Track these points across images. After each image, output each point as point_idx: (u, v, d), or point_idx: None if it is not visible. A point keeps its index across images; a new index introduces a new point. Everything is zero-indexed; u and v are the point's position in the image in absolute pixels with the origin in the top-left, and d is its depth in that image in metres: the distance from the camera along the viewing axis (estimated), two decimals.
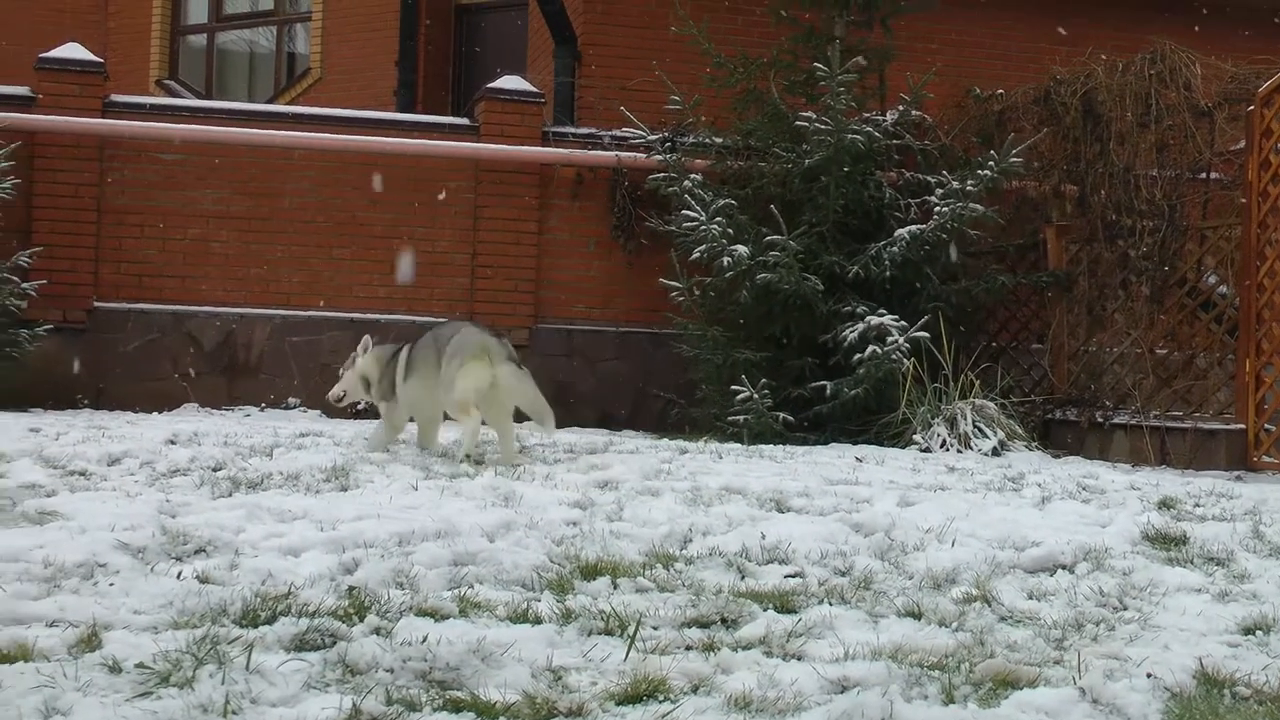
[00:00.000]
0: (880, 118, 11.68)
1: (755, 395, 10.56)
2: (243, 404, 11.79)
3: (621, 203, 12.53)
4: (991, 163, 11.12)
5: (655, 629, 4.20)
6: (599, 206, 12.67)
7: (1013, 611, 4.60)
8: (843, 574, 5.07)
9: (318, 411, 11.88)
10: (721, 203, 11.33)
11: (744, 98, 11.86)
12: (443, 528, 5.42)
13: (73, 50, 12.15)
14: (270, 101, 17.60)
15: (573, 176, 12.63)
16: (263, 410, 11.84)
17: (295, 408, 12.00)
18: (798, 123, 11.38)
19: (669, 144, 12.20)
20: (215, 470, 6.99)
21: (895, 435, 10.24)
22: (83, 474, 6.74)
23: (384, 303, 12.38)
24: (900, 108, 11.77)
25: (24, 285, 11.19)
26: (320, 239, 12.34)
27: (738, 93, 11.86)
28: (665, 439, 10.37)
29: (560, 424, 11.85)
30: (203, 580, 4.51)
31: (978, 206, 11.09)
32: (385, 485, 6.66)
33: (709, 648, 4.01)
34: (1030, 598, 4.82)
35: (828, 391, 10.72)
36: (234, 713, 3.27)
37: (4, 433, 8.36)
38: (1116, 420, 10.42)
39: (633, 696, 3.54)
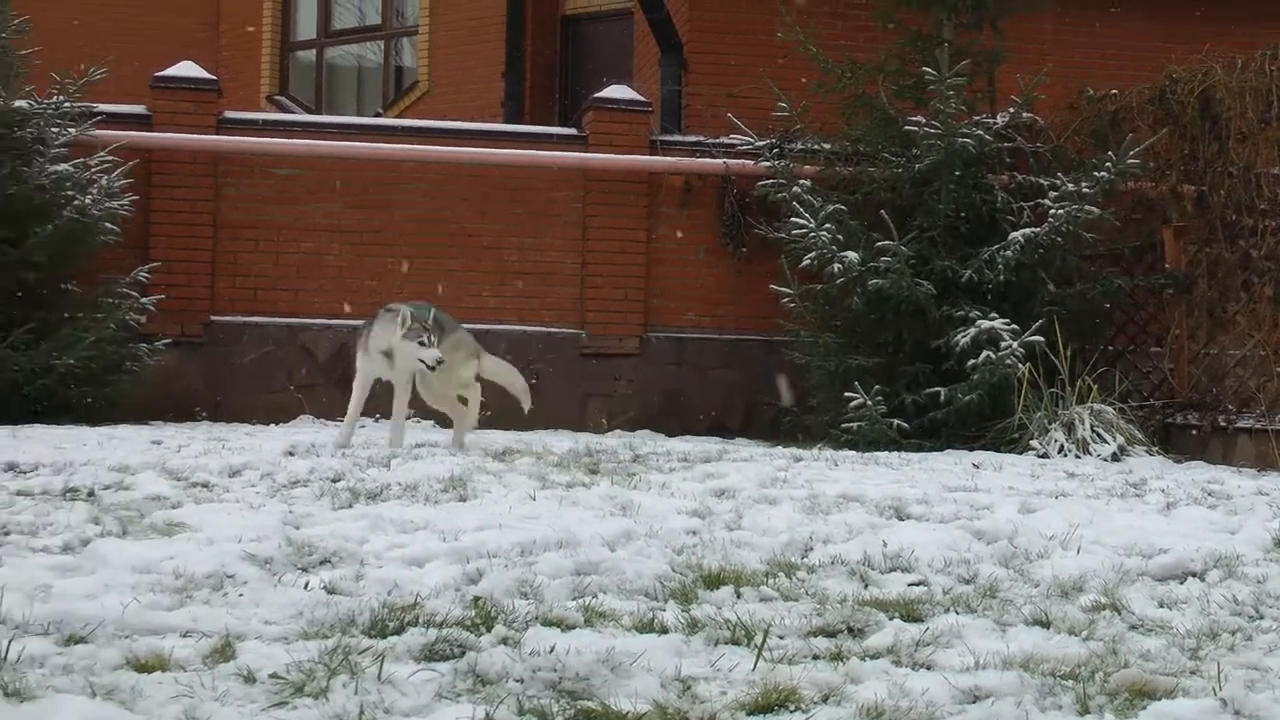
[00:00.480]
0: (991, 120, 11.57)
1: (868, 402, 10.50)
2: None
3: (730, 210, 12.52)
4: (1108, 164, 10.98)
5: (781, 638, 4.18)
6: (707, 214, 12.66)
7: (1144, 620, 4.53)
8: (967, 582, 5.03)
9: (430, 422, 11.95)
10: (831, 208, 11.28)
11: (852, 103, 11.80)
12: (563, 537, 5.44)
13: (187, 69, 12.35)
14: (379, 115, 17.77)
15: (681, 184, 12.64)
16: (376, 421, 11.90)
17: (409, 418, 12.05)
18: (907, 127, 11.31)
19: (777, 150, 12.17)
20: (334, 481, 7.06)
21: (1011, 441, 10.14)
22: (205, 486, 6.84)
23: (494, 313, 12.45)
24: (1011, 110, 11.66)
25: (143, 300, 11.39)
26: (430, 250, 12.43)
27: (845, 98, 11.80)
28: (778, 446, 10.35)
29: (671, 432, 11.99)
30: (330, 591, 4.55)
31: (1093, 209, 10.96)
32: (503, 495, 6.70)
33: (837, 657, 3.98)
34: (1161, 606, 4.75)
35: (941, 398, 10.63)
36: None
37: (128, 445, 8.51)
38: (1240, 424, 10.23)
39: (763, 706, 3.53)
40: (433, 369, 8.59)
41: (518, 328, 12.43)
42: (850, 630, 4.28)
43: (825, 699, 3.62)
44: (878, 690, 3.65)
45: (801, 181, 11.59)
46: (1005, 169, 11.67)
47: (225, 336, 12.08)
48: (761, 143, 12.20)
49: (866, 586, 4.92)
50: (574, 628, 4.19)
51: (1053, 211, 11.01)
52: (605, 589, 4.75)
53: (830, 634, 4.25)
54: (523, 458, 8.30)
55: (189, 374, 11.96)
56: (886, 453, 9.70)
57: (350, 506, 6.29)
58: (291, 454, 8.19)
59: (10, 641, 3.72)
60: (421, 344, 8.55)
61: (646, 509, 6.30)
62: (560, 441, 9.63)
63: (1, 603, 4.09)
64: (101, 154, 11.50)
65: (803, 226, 11.21)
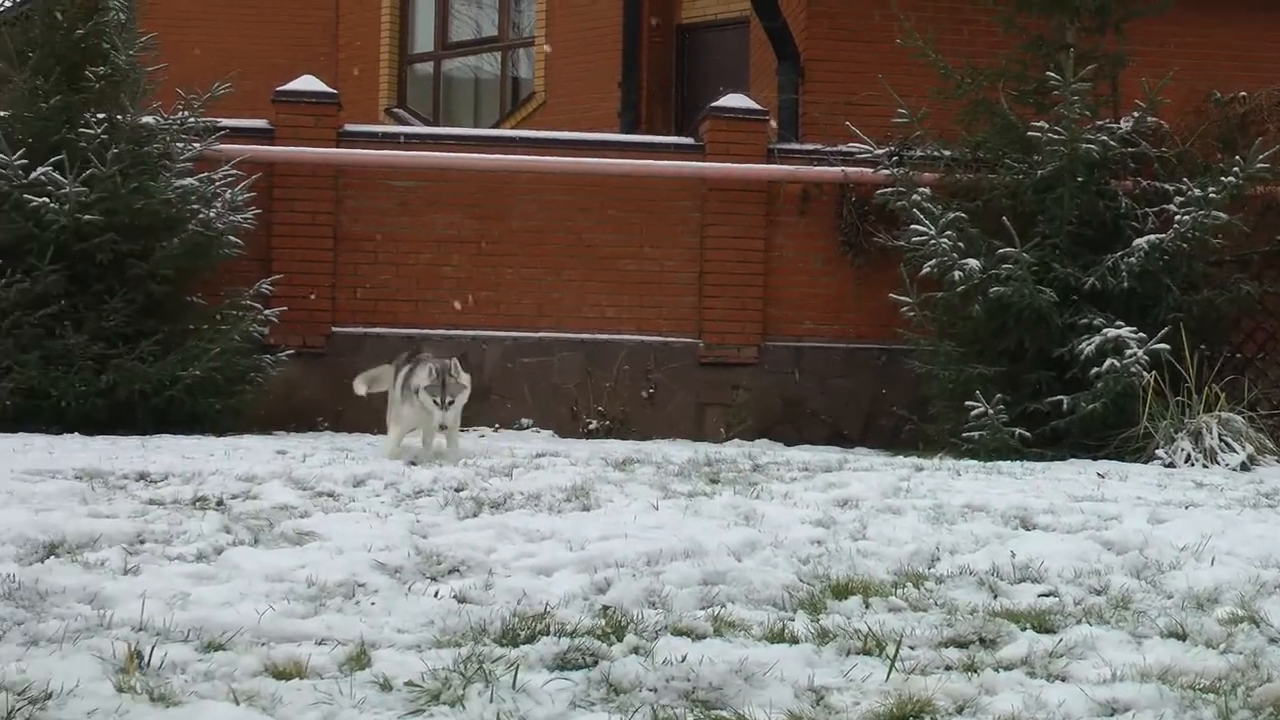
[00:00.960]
0: (1115, 125, 11.43)
1: (990, 411, 10.42)
2: (476, 425, 11.99)
3: (848, 218, 12.46)
4: (1236, 168, 10.81)
5: (912, 649, 4.16)
6: (826, 222, 12.62)
7: None
8: (1098, 593, 4.97)
9: (550, 432, 12.05)
10: (951, 216, 11.21)
11: (972, 109, 11.71)
12: (689, 547, 5.46)
13: (308, 83, 12.54)
14: (495, 126, 17.91)
15: (798, 193, 12.62)
16: (496, 430, 12.04)
17: (528, 428, 12.18)
18: (1029, 133, 11.21)
19: (896, 158, 12.10)
20: (458, 490, 7.13)
21: (1136, 450, 10.01)
22: (331, 495, 6.93)
23: (612, 323, 12.51)
24: (1135, 114, 11.51)
25: (266, 312, 11.57)
26: (548, 260, 12.51)
27: (965, 104, 11.72)
28: (898, 456, 10.29)
29: (789, 441, 11.97)
30: (460, 600, 4.60)
31: (1220, 214, 10.80)
32: (626, 505, 6.73)
33: (970, 668, 3.96)
34: None
35: (1064, 406, 10.52)
36: None
37: (253, 455, 8.65)
38: None
39: (898, 717, 3.52)
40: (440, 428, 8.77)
41: (635, 337, 12.47)
42: (982, 641, 4.24)
43: (960, 710, 3.60)
44: (1013, 702, 3.62)
45: (921, 189, 11.52)
46: (1129, 174, 11.52)
47: (346, 347, 12.23)
48: (880, 150, 12.13)
49: (996, 597, 4.89)
50: (704, 637, 4.20)
51: (1178, 217, 10.86)
52: (733, 599, 4.76)
53: (962, 645, 4.22)
54: (643, 467, 8.33)
55: (311, 384, 12.13)
56: (1009, 462, 9.61)
57: (475, 516, 6.35)
58: (414, 464, 8.28)
59: (153, 647, 3.80)
60: (438, 404, 8.67)
61: (770, 519, 6.30)
62: (679, 451, 9.64)
63: (143, 610, 4.19)
64: (225, 168, 11.70)
65: (923, 234, 11.14)
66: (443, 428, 8.85)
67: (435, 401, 8.62)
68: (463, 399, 8.79)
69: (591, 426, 12.17)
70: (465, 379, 8.85)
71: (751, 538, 5.77)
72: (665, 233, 12.58)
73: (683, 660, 3.84)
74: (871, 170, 12.18)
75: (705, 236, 12.55)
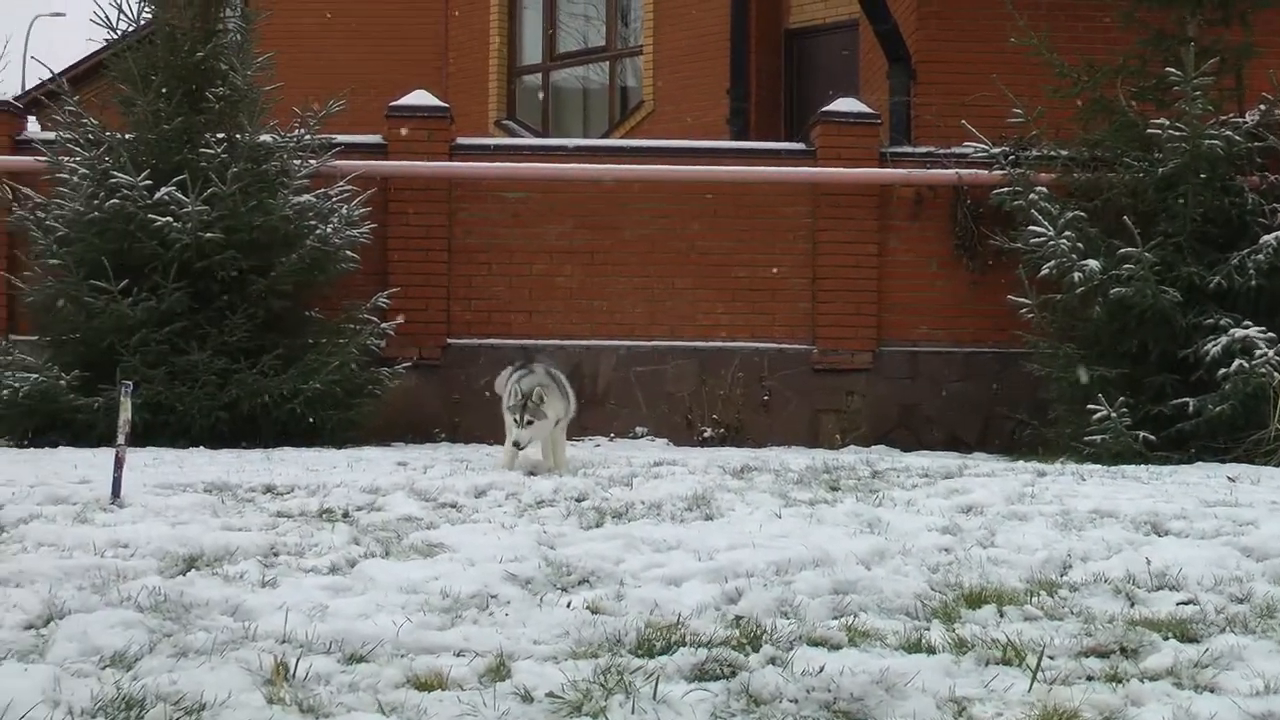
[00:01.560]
0: (1239, 120, 11.26)
1: (1112, 414, 10.30)
2: (591, 434, 12.05)
3: (963, 221, 12.37)
4: None
5: (1052, 659, 4.12)
6: (940, 226, 12.54)
7: None
8: (1241, 601, 4.89)
9: (665, 440, 12.07)
10: (1069, 216, 11.09)
11: (1089, 107, 11.58)
12: (817, 556, 5.45)
13: (420, 97, 12.68)
14: (605, 136, 17.99)
15: (912, 196, 12.55)
16: (611, 440, 12.08)
17: (643, 436, 12.22)
18: (1149, 130, 11.07)
19: (1011, 158, 12.00)
20: (579, 500, 7.17)
21: (1267, 453, 9.85)
22: (454, 506, 7.00)
23: (726, 330, 12.51)
24: (1262, 107, 11.32)
25: (383, 325, 11.71)
26: (661, 269, 12.55)
27: (1082, 102, 11.59)
28: (1018, 461, 10.21)
29: (906, 447, 11.91)
30: (593, 611, 4.62)
31: None
32: (748, 513, 6.73)
33: (1114, 678, 3.91)
34: None
35: (1190, 409, 10.37)
36: None
37: (375, 467, 8.75)
38: None
39: None
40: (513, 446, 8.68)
41: (749, 344, 12.47)
42: (1124, 651, 4.19)
43: None
44: (1161, 714, 3.57)
45: (1038, 189, 11.42)
46: (1256, 170, 11.33)
47: (462, 358, 12.35)
48: (995, 151, 12.04)
49: (1133, 605, 4.82)
50: (839, 647, 4.19)
51: None
52: (865, 608, 4.74)
53: (1103, 655, 4.17)
54: (761, 475, 8.33)
55: (428, 396, 12.26)
56: (1133, 466, 9.49)
57: (599, 526, 6.37)
58: (533, 474, 8.33)
59: (298, 659, 3.87)
60: (516, 423, 8.63)
61: (895, 526, 6.27)
62: (796, 458, 9.63)
63: (286, 622, 4.25)
64: (341, 184, 11.86)
65: (1041, 235, 11.04)
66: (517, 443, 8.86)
67: (515, 420, 8.62)
68: (550, 416, 8.69)
69: (706, 434, 12.18)
70: (553, 402, 8.73)
71: (879, 546, 5.74)
72: (777, 239, 12.56)
73: (821, 671, 3.84)
74: (986, 171, 12.09)
75: (818, 242, 12.52)
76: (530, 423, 8.58)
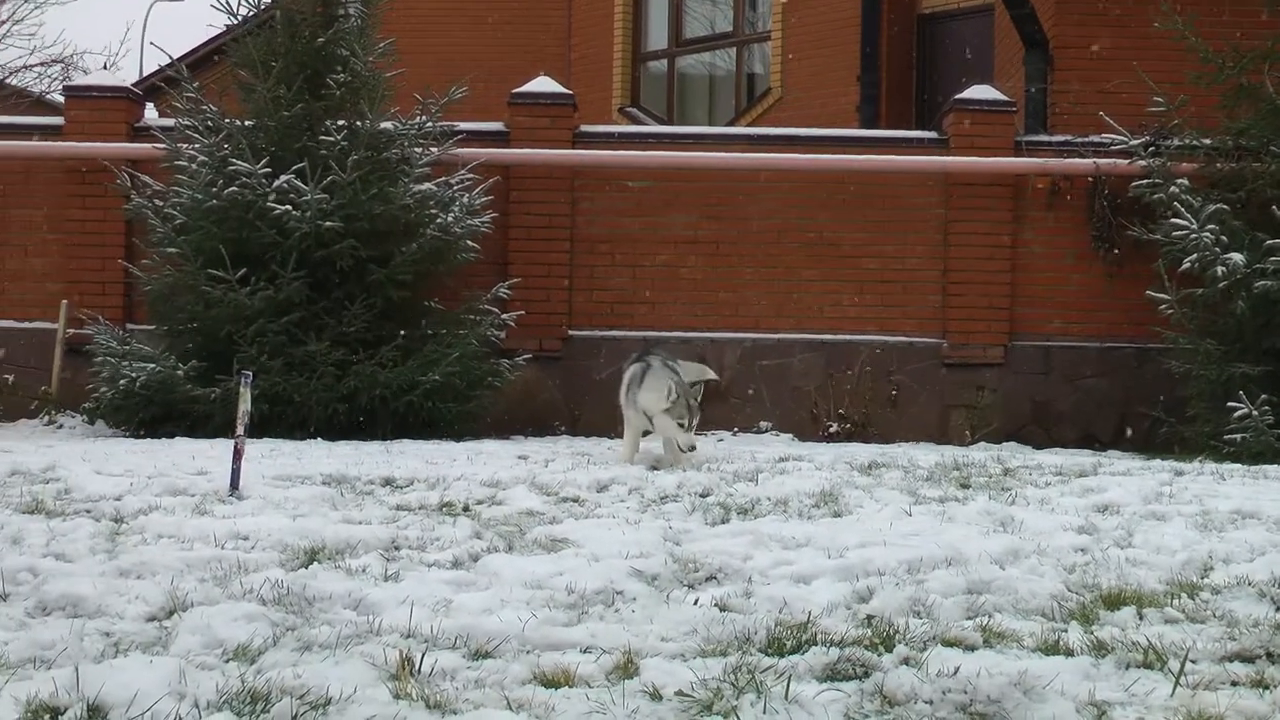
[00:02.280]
0: None
1: (1254, 412, 10.14)
2: (715, 428, 12.07)
3: (1100, 212, 12.22)
4: None
5: (1194, 663, 4.07)
6: (1076, 217, 12.40)
7: None
8: None
9: (789, 435, 12.06)
10: (1212, 208, 10.93)
11: (1234, 94, 11.39)
12: (950, 554, 5.43)
13: (544, 84, 12.75)
14: (731, 123, 17.97)
15: (1047, 187, 12.42)
16: (735, 435, 12.09)
17: (767, 431, 12.21)
18: None
19: (1152, 148, 11.84)
20: (703, 496, 7.20)
21: None
22: (576, 500, 7.05)
23: (854, 323, 12.47)
24: None
25: (503, 316, 11.80)
26: (787, 260, 12.53)
27: (1227, 89, 11.40)
28: (1155, 459, 10.08)
29: (1038, 445, 11.80)
30: (721, 608, 4.64)
31: None
32: (877, 510, 6.72)
33: (1260, 684, 3.86)
34: None
35: None
36: None
37: (495, 460, 8.83)
38: None
39: None
40: (686, 451, 8.60)
41: (877, 337, 12.42)
42: (1269, 656, 4.12)
43: None
44: None
45: (1179, 180, 11.26)
46: None
47: (583, 350, 12.42)
48: (1135, 140, 11.88)
49: (1278, 610, 4.75)
50: (974, 648, 4.17)
51: None
52: (999, 608, 4.71)
53: (1248, 659, 4.11)
54: (889, 471, 8.30)
55: (548, 388, 12.35)
56: (1276, 466, 9.32)
57: (725, 522, 6.40)
58: (655, 468, 8.36)
59: (424, 654, 3.92)
60: (681, 425, 8.58)
61: (1029, 525, 6.24)
62: (924, 455, 9.59)
63: (411, 616, 4.31)
64: (462, 172, 11.96)
65: (1182, 227, 10.89)
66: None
67: (680, 425, 8.62)
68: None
69: (832, 429, 12.15)
70: (695, 386, 8.82)
71: (1013, 545, 5.71)
72: (908, 229, 12.50)
73: (956, 672, 3.82)
74: (1126, 162, 11.94)
75: (950, 233, 12.43)
76: (697, 422, 8.65)
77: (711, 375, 9.83)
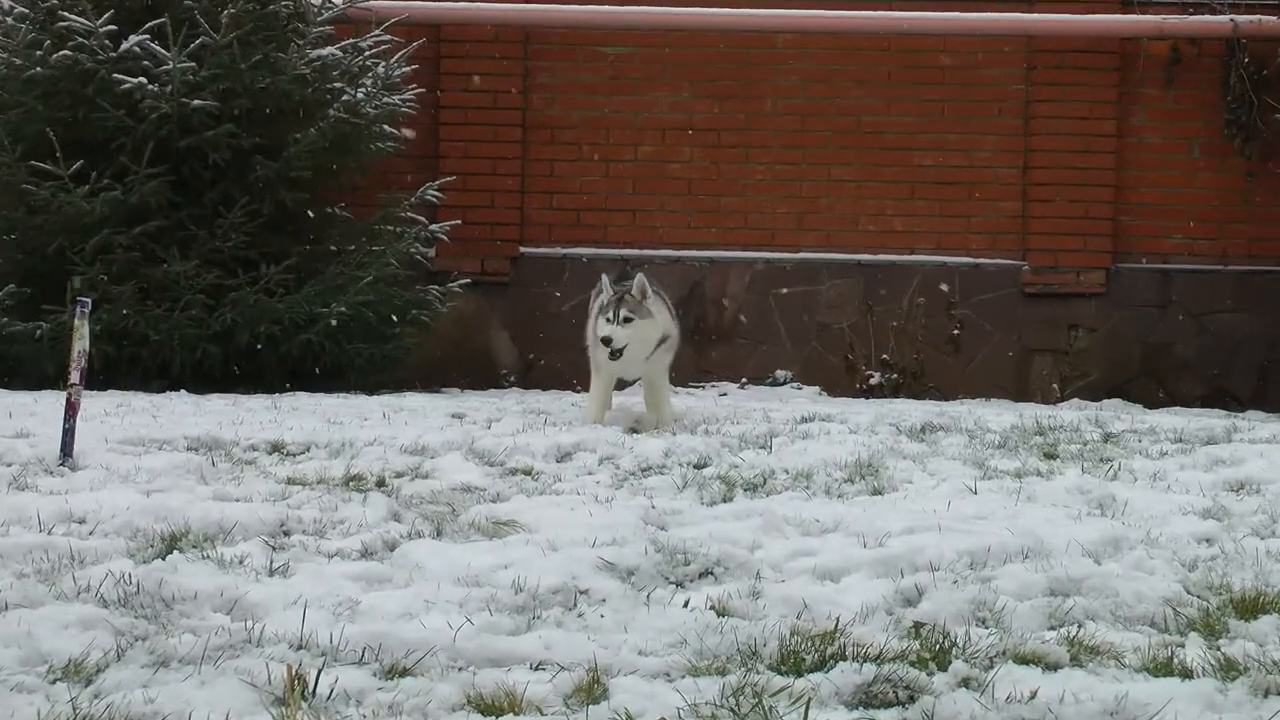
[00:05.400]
0: None
1: None
2: (715, 378, 12.10)
3: (1238, 88, 12.22)
4: None
5: None
6: (1205, 95, 12.42)
7: None
8: None
9: (816, 388, 12.08)
10: None
11: None
12: (1027, 544, 5.46)
13: None
14: None
15: (1166, 54, 12.42)
16: (743, 387, 12.11)
17: (786, 383, 12.24)
18: None
19: None
20: (699, 468, 7.23)
21: None
22: (528, 473, 7.09)
23: (902, 238, 12.48)
24: None
25: (432, 228, 11.76)
26: (814, 154, 12.52)
27: None
28: None
29: (1151, 402, 11.85)
30: (719, 612, 4.66)
31: None
32: (931, 487, 6.77)
33: None
34: None
35: None
36: None
37: (421, 419, 8.85)
38: None
39: None
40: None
41: (933, 258, 12.43)
42: None
43: None
44: None
45: None
46: None
47: (539, 274, 12.41)
48: None
49: None
50: (1058, 667, 4.21)
51: None
52: (1093, 615, 4.75)
53: None
54: (950, 436, 8.35)
55: (493, 325, 12.35)
56: None
57: (727, 500, 6.44)
58: (635, 431, 8.38)
59: (320, 672, 3.93)
60: (608, 321, 8.59)
61: (1136, 507, 6.28)
62: (997, 414, 9.61)
63: (304, 622, 4.32)
64: (377, 32, 11.86)
65: None
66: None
67: (608, 318, 8.53)
68: (657, 325, 8.67)
69: (873, 381, 12.17)
70: (659, 312, 8.74)
71: (1112, 533, 5.75)
72: (976, 113, 12.49)
73: (1032, 697, 3.86)
74: (1276, 17, 11.92)
75: (1032, 117, 12.43)
76: (629, 320, 8.54)
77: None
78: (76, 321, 7.24)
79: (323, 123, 11.27)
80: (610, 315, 8.52)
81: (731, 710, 3.73)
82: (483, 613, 4.59)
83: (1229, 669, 4.21)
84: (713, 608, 4.71)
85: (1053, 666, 4.22)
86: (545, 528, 5.69)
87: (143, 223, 10.91)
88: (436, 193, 11.93)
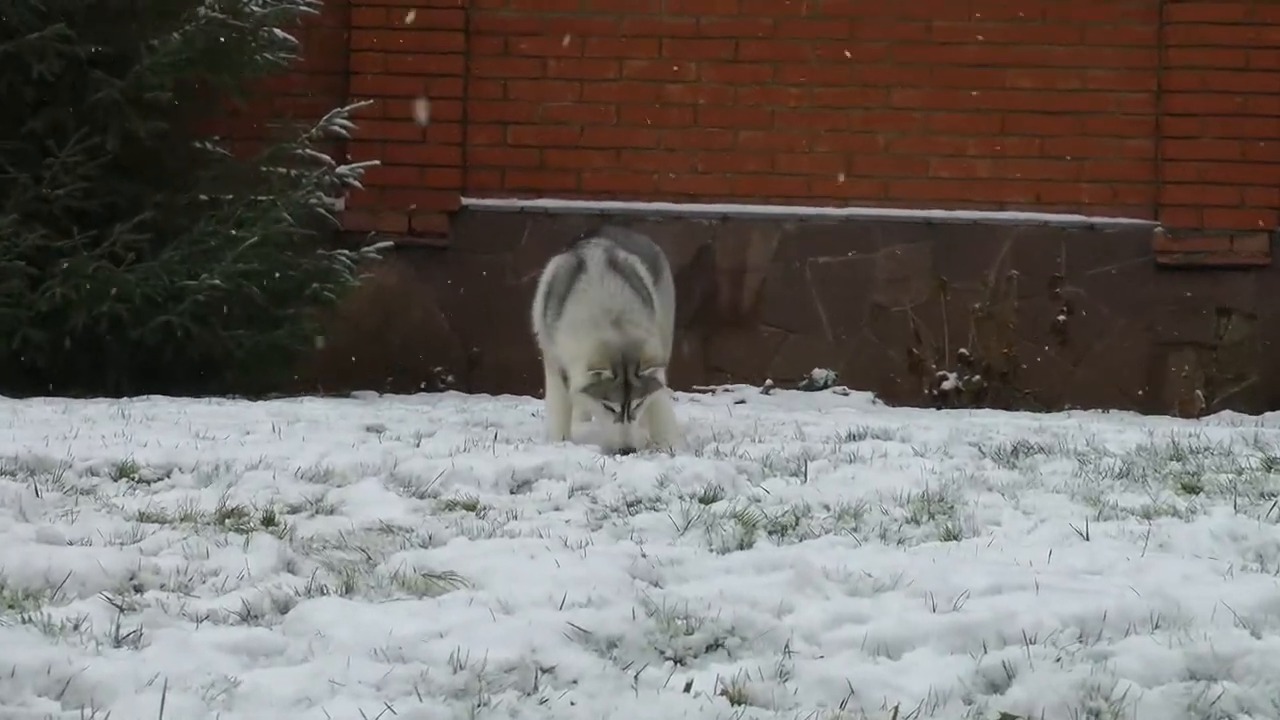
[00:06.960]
0: None
1: None
2: (730, 379, 12.15)
3: None
4: None
5: None
6: None
7: None
8: None
9: (869, 393, 12.11)
10: None
11: None
12: (1157, 608, 5.46)
13: None
14: None
15: None
16: (768, 392, 12.16)
17: (828, 386, 12.29)
18: None
19: None
20: (707, 502, 7.24)
21: None
22: (471, 508, 7.11)
23: (988, 189, 12.54)
24: None
25: (341, 169, 11.78)
26: (866, 71, 12.58)
27: None
28: None
29: None
30: (734, 699, 4.66)
31: None
32: (1026, 530, 6.77)
33: None
34: None
35: None
36: None
37: (325, 433, 8.89)
38: None
39: None
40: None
41: (1029, 215, 12.49)
42: None
43: None
44: None
45: None
46: None
47: (489, 235, 12.44)
48: None
49: None
50: None
51: None
52: (1249, 707, 4.76)
53: None
54: (1052, 460, 8.36)
55: (424, 304, 12.37)
56: None
57: (745, 547, 6.44)
58: (625, 452, 8.40)
59: None
60: (609, 409, 8.66)
61: None
62: (1118, 431, 9.68)
63: (162, 711, 4.32)
64: None
65: None
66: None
67: (609, 409, 8.65)
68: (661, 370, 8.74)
69: (947, 384, 12.22)
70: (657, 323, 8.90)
71: (1276, 595, 5.76)
72: (1090, 16, 12.53)
73: None
74: None
75: (1167, 23, 12.47)
76: (642, 402, 8.67)
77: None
78: None
79: (189, 24, 11.31)
80: (619, 408, 8.62)
81: None
82: (409, 698, 4.58)
83: None
84: (725, 693, 4.71)
85: None
86: (495, 583, 5.68)
87: None
88: (346, 122, 11.97)
